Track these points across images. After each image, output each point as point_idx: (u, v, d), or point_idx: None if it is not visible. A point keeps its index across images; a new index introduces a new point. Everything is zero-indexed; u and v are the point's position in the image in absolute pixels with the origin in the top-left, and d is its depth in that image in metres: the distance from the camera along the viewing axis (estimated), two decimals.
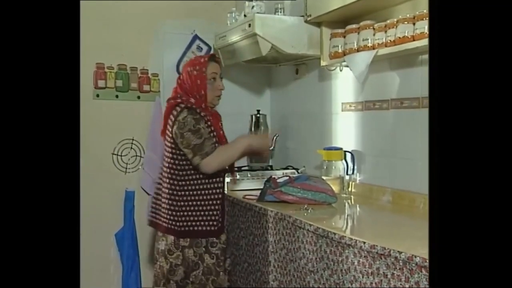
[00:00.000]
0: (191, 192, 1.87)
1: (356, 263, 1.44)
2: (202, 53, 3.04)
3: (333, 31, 2.24)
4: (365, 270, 1.41)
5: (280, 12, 2.48)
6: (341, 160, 2.29)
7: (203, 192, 1.88)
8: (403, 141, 2.05)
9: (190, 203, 1.86)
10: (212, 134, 1.87)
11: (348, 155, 2.32)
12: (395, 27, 1.88)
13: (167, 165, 1.92)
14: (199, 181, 1.87)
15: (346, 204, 2.16)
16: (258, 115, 3.00)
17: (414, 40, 1.78)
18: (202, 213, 1.87)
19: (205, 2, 3.01)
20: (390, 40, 1.90)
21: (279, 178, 2.13)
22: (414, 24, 1.79)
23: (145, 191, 2.90)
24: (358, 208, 2.14)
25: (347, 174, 2.30)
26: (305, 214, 1.84)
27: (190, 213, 1.86)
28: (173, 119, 1.86)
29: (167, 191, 1.89)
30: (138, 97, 2.90)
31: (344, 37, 2.16)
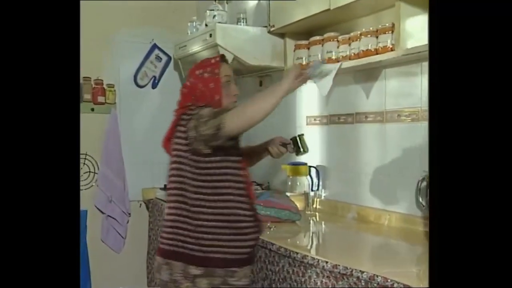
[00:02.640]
0: (209, 210, 1.51)
1: (319, 283, 1.46)
2: (161, 64, 3.03)
3: (297, 43, 2.28)
4: None
5: (243, 22, 2.51)
6: (306, 175, 2.32)
7: (227, 208, 1.52)
8: (368, 156, 2.10)
9: (208, 223, 1.50)
10: None
11: (313, 171, 2.35)
12: (358, 40, 1.94)
13: (176, 178, 1.60)
14: (221, 196, 1.53)
15: (311, 221, 2.18)
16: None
17: (377, 54, 1.85)
18: (223, 237, 1.50)
19: (165, 10, 3.02)
20: (354, 53, 1.96)
21: None
22: (377, 37, 1.86)
23: (99, 209, 2.85)
24: (323, 226, 2.17)
25: (312, 190, 2.33)
26: (267, 232, 1.84)
27: (207, 235, 1.50)
28: (185, 123, 1.60)
29: (174, 210, 1.56)
30: (92, 109, 2.86)
31: (308, 48, 2.21)
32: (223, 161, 1.56)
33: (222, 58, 1.75)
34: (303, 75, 1.64)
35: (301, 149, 1.83)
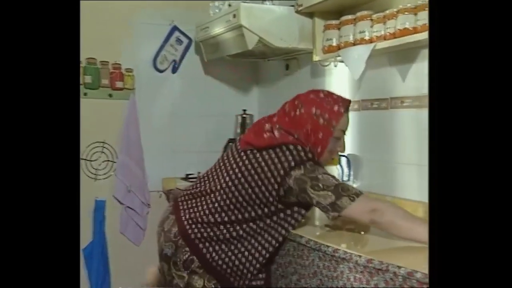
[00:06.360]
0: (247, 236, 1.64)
1: (352, 279, 1.45)
2: (181, 47, 3.03)
3: (326, 23, 2.25)
4: (362, 287, 1.42)
5: (268, 1, 2.49)
6: (336, 165, 2.30)
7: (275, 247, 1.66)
8: (403, 145, 2.07)
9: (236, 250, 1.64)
10: None
11: (344, 160, 2.33)
12: (395, 18, 1.90)
13: (238, 192, 1.62)
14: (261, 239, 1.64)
15: None
16: (244, 116, 3.00)
17: (415, 33, 1.80)
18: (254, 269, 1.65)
19: None
20: (389, 33, 1.92)
21: None
22: (415, 14, 1.82)
23: (118, 200, 2.89)
24: None
25: (342, 180, 2.31)
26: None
27: (241, 260, 1.64)
28: (288, 159, 1.57)
29: (218, 216, 1.63)
30: (110, 95, 2.88)
31: (339, 29, 2.18)
32: (296, 212, 1.65)
33: (348, 107, 1.70)
34: None
35: None
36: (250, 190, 1.61)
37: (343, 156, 2.33)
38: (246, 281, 1.66)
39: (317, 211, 2.21)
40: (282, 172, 1.57)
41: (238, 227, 1.63)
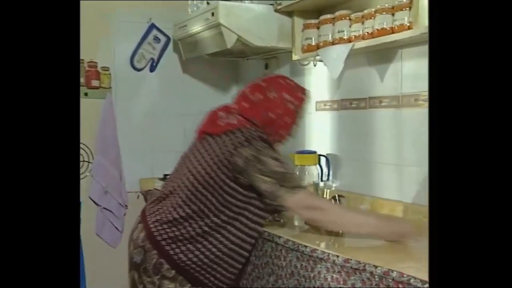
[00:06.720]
0: (218, 235, 1.61)
1: (329, 279, 1.45)
2: (159, 45, 3.01)
3: (306, 22, 2.26)
4: (339, 287, 1.42)
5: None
6: (315, 165, 2.31)
7: (233, 238, 1.62)
8: (382, 144, 2.09)
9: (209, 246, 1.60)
10: None
11: (323, 160, 2.34)
12: (373, 18, 1.91)
13: (198, 183, 1.61)
14: (232, 228, 1.61)
15: None
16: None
17: (393, 33, 1.82)
18: (217, 263, 1.62)
19: None
20: (367, 32, 1.94)
21: None
22: (393, 14, 1.83)
23: (94, 201, 2.85)
24: None
25: (321, 180, 2.32)
26: (274, 225, 1.84)
27: (210, 258, 1.61)
28: (237, 142, 1.58)
29: (181, 211, 1.61)
30: (86, 94, 2.84)
31: (318, 28, 2.19)
32: (256, 199, 1.61)
33: (308, 95, 1.77)
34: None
35: None
36: (207, 177, 1.59)
37: (323, 156, 2.34)
38: (220, 283, 1.64)
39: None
40: (233, 150, 1.57)
41: (201, 222, 1.59)
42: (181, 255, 1.59)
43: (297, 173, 2.32)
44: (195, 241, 1.60)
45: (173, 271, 1.58)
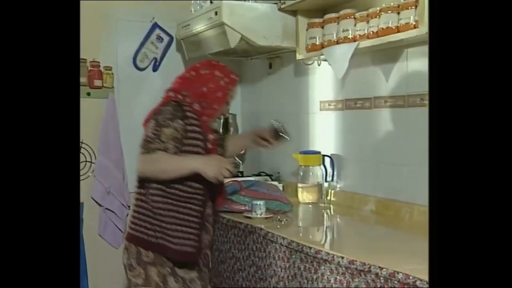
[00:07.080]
0: (165, 205, 1.71)
1: (332, 281, 1.45)
2: (162, 44, 3.01)
3: (310, 21, 2.25)
4: None
5: None
6: (319, 165, 2.30)
7: (182, 204, 1.71)
8: (387, 144, 2.08)
9: (165, 212, 1.70)
10: (195, 138, 1.73)
11: (327, 160, 2.33)
12: (378, 16, 1.90)
13: None
14: (181, 192, 1.71)
15: (325, 214, 2.17)
16: (226, 115, 2.98)
17: (398, 32, 1.81)
18: (176, 228, 1.70)
19: None
20: (372, 32, 1.93)
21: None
22: (398, 13, 1.82)
23: (96, 202, 2.85)
24: (337, 219, 2.15)
25: (325, 181, 2.31)
26: (278, 226, 1.83)
27: (162, 224, 1.70)
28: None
29: (138, 195, 1.77)
30: (88, 94, 2.84)
31: (322, 27, 2.18)
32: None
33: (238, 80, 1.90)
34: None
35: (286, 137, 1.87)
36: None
37: (327, 156, 2.33)
38: (184, 247, 1.69)
39: (301, 210, 2.21)
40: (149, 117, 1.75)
41: (150, 195, 1.70)
42: (150, 232, 1.70)
43: (301, 173, 2.31)
44: (149, 216, 1.71)
45: (150, 253, 1.69)
